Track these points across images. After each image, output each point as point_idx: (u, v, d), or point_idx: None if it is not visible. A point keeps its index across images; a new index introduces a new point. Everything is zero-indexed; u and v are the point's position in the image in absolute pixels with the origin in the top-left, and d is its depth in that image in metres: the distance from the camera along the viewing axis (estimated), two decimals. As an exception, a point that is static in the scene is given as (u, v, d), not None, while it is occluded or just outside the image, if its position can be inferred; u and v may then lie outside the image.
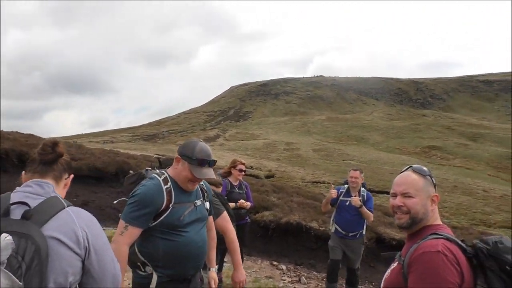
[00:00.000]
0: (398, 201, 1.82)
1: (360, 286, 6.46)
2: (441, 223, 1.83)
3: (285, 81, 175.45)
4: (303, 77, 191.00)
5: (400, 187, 1.83)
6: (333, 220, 5.49)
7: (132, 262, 2.28)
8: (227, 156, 38.29)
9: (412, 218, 1.77)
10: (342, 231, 5.30)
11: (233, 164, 5.70)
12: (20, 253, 1.31)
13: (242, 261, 5.81)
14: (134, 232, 2.18)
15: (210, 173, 2.34)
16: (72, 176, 1.79)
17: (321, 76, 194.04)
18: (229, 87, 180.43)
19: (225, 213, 2.99)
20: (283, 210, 9.85)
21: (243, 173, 5.68)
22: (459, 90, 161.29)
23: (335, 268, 5.39)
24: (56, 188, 1.65)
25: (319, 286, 6.82)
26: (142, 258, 2.26)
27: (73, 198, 11.69)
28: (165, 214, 2.23)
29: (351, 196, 5.32)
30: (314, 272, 7.61)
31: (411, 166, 1.91)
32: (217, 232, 2.85)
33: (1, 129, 16.68)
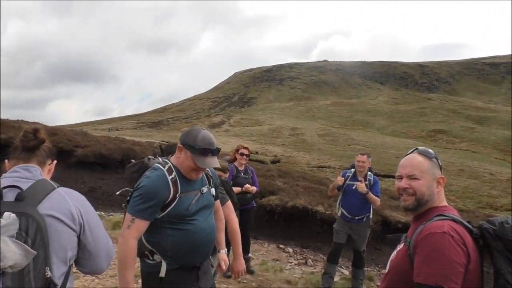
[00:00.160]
0: (403, 183, 1.81)
1: (366, 268, 6.51)
2: (447, 204, 1.83)
3: (290, 66, 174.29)
4: (308, 62, 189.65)
5: (405, 169, 1.82)
6: (339, 204, 5.51)
7: (140, 251, 2.22)
8: (232, 142, 38.32)
9: (418, 200, 1.77)
10: (348, 215, 5.31)
11: (237, 149, 5.77)
12: (24, 230, 1.38)
13: (249, 245, 5.91)
14: (142, 225, 2.13)
15: (213, 162, 2.26)
16: (55, 161, 1.83)
17: (325, 61, 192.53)
18: (233, 73, 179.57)
19: (229, 203, 2.96)
20: (289, 195, 9.90)
21: (245, 157, 5.70)
22: (465, 73, 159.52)
23: (337, 250, 5.44)
24: (41, 172, 1.70)
25: (325, 268, 6.89)
26: (150, 247, 2.24)
27: (80, 184, 11.82)
28: (173, 205, 2.18)
29: (357, 180, 5.32)
30: (321, 255, 7.68)
31: (416, 149, 1.90)
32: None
33: (7, 118, 16.79)
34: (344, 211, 5.36)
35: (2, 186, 1.50)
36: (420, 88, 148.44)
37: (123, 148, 14.92)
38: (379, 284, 6.18)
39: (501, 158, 50.15)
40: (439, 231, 1.58)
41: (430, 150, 1.87)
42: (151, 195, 2.12)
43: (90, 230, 1.64)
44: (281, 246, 8.09)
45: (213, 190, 2.46)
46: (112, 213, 9.15)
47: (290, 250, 7.86)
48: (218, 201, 2.64)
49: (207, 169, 2.44)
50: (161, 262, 2.22)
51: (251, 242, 6.22)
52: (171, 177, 2.19)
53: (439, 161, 1.85)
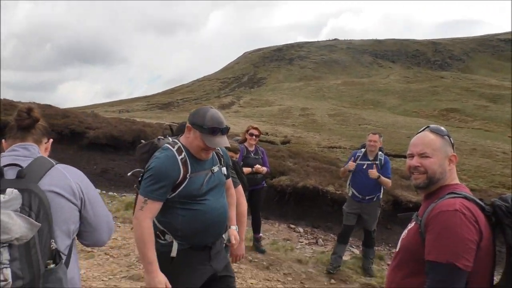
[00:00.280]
0: (415, 161, 1.79)
1: (376, 248, 6.55)
2: (459, 182, 1.80)
3: (299, 45, 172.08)
4: (318, 41, 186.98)
5: (417, 147, 1.80)
6: (349, 184, 5.49)
7: None
8: (242, 123, 38.28)
9: (429, 178, 1.75)
10: (359, 195, 5.30)
11: (247, 130, 5.77)
12: (27, 205, 1.44)
13: (260, 225, 5.96)
14: (155, 206, 2.13)
15: (223, 141, 2.22)
16: (51, 140, 1.87)
17: (335, 39, 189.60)
18: (242, 53, 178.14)
19: (239, 187, 2.91)
20: (299, 175, 9.92)
21: (255, 137, 5.70)
22: (479, 50, 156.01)
23: (347, 232, 5.46)
24: (39, 150, 1.74)
25: (336, 248, 6.94)
26: (161, 227, 2.25)
27: (92, 166, 11.97)
28: (183, 185, 2.17)
29: (368, 160, 5.30)
30: (331, 235, 7.73)
31: (428, 127, 1.87)
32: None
33: (20, 101, 16.97)
34: (354, 191, 5.35)
35: (2, 165, 1.54)
36: (432, 66, 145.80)
37: (133, 129, 15.02)
38: (389, 263, 6.22)
39: (514, 136, 49.35)
40: (450, 209, 1.57)
41: (442, 128, 1.84)
42: (162, 176, 2.11)
43: (90, 204, 1.71)
44: (292, 226, 8.15)
45: (224, 169, 2.43)
46: (124, 194, 9.28)
47: (301, 230, 7.92)
48: (230, 179, 2.62)
49: (217, 148, 2.42)
50: (172, 242, 2.23)
51: (262, 222, 6.27)
52: (180, 157, 2.18)
53: (451, 138, 1.82)
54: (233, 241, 2.50)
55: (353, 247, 6.95)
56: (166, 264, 2.21)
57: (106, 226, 1.80)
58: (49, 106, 18.43)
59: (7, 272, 1.35)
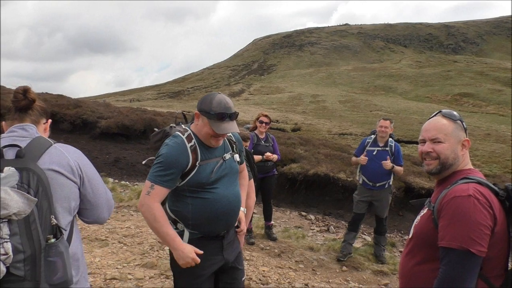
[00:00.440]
0: (427, 147, 1.77)
1: (389, 235, 6.54)
2: (472, 167, 1.78)
3: (309, 31, 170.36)
4: (328, 26, 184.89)
5: (429, 132, 1.78)
6: (359, 171, 5.44)
7: None
8: (253, 111, 38.27)
9: (442, 164, 1.73)
10: (369, 182, 5.25)
11: (257, 117, 5.76)
12: (25, 182, 1.49)
13: (271, 213, 5.99)
14: (161, 192, 2.11)
15: (231, 127, 2.16)
16: (50, 121, 1.90)
17: (346, 24, 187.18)
18: (252, 40, 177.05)
19: (251, 181, 2.84)
20: (310, 162, 9.89)
21: (265, 125, 5.68)
22: (493, 33, 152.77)
23: (357, 220, 5.42)
24: (37, 130, 1.77)
25: (347, 235, 6.94)
26: (173, 216, 2.25)
27: (105, 155, 12.09)
28: (192, 173, 2.14)
29: (378, 146, 5.24)
30: (343, 222, 7.72)
31: (440, 111, 1.83)
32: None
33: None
34: (364, 178, 5.30)
35: (1, 146, 1.58)
36: (445, 50, 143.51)
37: (144, 118, 15.11)
38: (401, 250, 6.20)
39: (530, 121, 48.49)
40: (464, 194, 1.55)
41: (455, 112, 1.81)
42: (171, 163, 2.10)
43: (89, 182, 1.75)
44: (303, 213, 8.16)
45: (236, 156, 2.37)
46: (137, 183, 9.36)
47: (312, 217, 7.92)
48: (244, 164, 2.58)
49: (230, 134, 2.37)
50: (183, 230, 2.22)
51: (273, 209, 6.29)
52: (190, 144, 2.15)
53: (463, 123, 1.79)
54: (242, 227, 2.45)
55: (365, 234, 6.94)
56: None
57: (106, 203, 1.84)
58: (61, 96, 18.61)
59: (8, 246, 1.41)
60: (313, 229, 7.15)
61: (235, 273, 2.40)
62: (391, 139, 5.30)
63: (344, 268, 5.07)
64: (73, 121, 14.21)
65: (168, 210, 2.26)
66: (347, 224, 5.84)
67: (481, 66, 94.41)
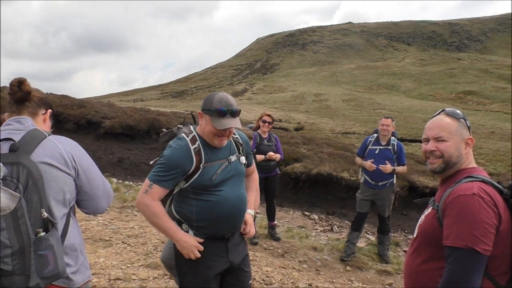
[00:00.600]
0: (430, 145, 1.77)
1: (392, 234, 6.51)
2: (475, 166, 1.78)
3: (312, 30, 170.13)
4: (331, 25, 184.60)
5: (432, 131, 1.78)
6: (362, 170, 5.43)
7: None
8: (256, 110, 38.26)
9: (446, 162, 1.73)
10: (371, 181, 5.23)
11: (260, 117, 5.76)
12: (15, 177, 1.51)
13: (274, 212, 5.98)
14: (159, 192, 2.13)
15: (232, 122, 2.14)
16: (49, 111, 1.90)
17: (349, 23, 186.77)
18: (255, 39, 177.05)
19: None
20: (313, 161, 9.87)
21: (268, 124, 5.68)
22: (498, 30, 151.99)
23: (360, 219, 5.41)
24: (34, 123, 1.78)
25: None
26: (178, 217, 2.25)
27: (109, 155, 12.11)
28: (196, 175, 2.14)
29: (380, 144, 5.22)
30: (346, 221, 7.70)
31: (443, 110, 1.84)
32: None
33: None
34: (367, 177, 5.29)
35: None
36: (449, 48, 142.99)
37: (148, 118, 15.13)
38: (405, 249, 6.18)
39: (535, 118, 48.16)
40: (468, 193, 1.56)
41: (458, 111, 1.82)
42: (172, 165, 2.11)
43: (84, 173, 1.76)
44: (306, 213, 8.15)
45: (243, 159, 2.35)
46: (140, 183, 9.38)
47: (316, 217, 7.90)
48: (253, 165, 2.59)
49: (236, 136, 2.38)
50: (188, 231, 2.23)
51: (276, 209, 6.28)
52: (194, 146, 2.15)
53: (467, 121, 1.79)
54: (247, 230, 2.40)
55: (368, 234, 6.92)
56: (182, 253, 2.22)
57: (103, 194, 1.86)
58: (66, 96, 18.66)
59: None
60: (317, 229, 7.14)
61: (241, 275, 2.39)
62: (393, 137, 5.27)
63: (348, 268, 5.06)
64: (77, 121, 14.24)
65: (173, 211, 2.27)
66: (350, 224, 5.82)
67: (485, 63, 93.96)
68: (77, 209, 1.88)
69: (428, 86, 77.65)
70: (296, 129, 31.05)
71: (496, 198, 1.55)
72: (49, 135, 1.72)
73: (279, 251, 5.41)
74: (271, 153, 5.56)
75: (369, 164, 5.11)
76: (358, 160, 5.41)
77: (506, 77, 76.56)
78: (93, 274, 4.00)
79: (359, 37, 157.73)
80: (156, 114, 17.38)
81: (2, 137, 1.62)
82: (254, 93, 77.83)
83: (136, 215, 6.42)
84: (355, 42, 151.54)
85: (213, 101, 2.16)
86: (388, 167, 5.02)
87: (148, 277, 4.12)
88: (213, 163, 2.19)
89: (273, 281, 4.43)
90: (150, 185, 2.13)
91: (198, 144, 2.18)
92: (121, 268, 4.29)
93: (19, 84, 1.75)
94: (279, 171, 6.02)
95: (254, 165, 2.62)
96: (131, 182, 9.35)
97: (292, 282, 4.47)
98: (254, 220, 2.53)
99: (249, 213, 2.44)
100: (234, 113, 2.17)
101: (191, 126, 2.36)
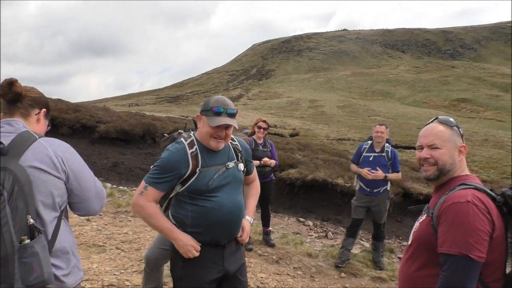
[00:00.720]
0: (424, 153, 1.79)
1: (387, 241, 6.52)
2: (469, 173, 1.80)
3: (308, 36, 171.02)
4: (326, 32, 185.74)
5: (426, 139, 1.80)
6: (357, 177, 5.44)
7: None
8: (251, 116, 38.30)
9: (440, 170, 1.75)
10: (366, 188, 5.23)
11: (255, 122, 5.76)
12: (0, 183, 1.47)
13: (269, 219, 5.97)
14: (154, 194, 2.14)
15: (227, 120, 2.14)
16: (43, 110, 1.85)
17: (345, 30, 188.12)
18: (251, 45, 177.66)
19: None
20: (308, 168, 9.89)
21: (263, 130, 5.69)
22: (491, 38, 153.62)
23: (356, 226, 5.41)
24: (27, 124, 1.75)
25: (346, 240, 6.92)
26: (174, 222, 2.25)
27: (103, 160, 12.07)
28: (192, 180, 2.14)
29: (374, 151, 5.23)
30: (341, 228, 7.70)
31: (437, 118, 1.86)
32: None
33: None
34: (362, 184, 5.29)
35: None
36: (443, 56, 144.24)
37: (143, 123, 15.11)
38: (400, 256, 6.19)
39: (527, 126, 48.56)
40: (462, 201, 1.57)
41: (451, 119, 1.84)
42: (168, 168, 2.12)
43: (74, 176, 1.72)
44: (301, 219, 8.14)
45: (241, 166, 2.34)
46: (135, 188, 9.34)
47: (310, 223, 7.90)
48: (255, 172, 2.60)
49: (236, 142, 2.38)
50: None
51: (271, 215, 6.27)
52: (191, 150, 2.16)
53: (460, 129, 1.82)
54: (243, 236, 2.39)
55: (363, 240, 6.93)
56: (178, 259, 2.22)
57: (95, 196, 1.82)
58: (61, 100, 18.58)
59: None
60: (311, 235, 7.13)
61: (237, 284, 2.36)
62: (387, 144, 5.29)
63: (343, 274, 5.06)
64: (72, 126, 14.20)
65: (170, 216, 2.27)
66: (345, 230, 5.83)
67: (479, 71, 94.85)
68: (71, 213, 1.87)
69: (422, 93, 78.22)
70: (291, 135, 31.10)
71: (490, 206, 1.57)
72: (39, 137, 1.68)
73: (274, 257, 5.39)
74: (266, 159, 5.56)
75: (365, 172, 5.11)
76: (354, 167, 5.42)
77: (499, 85, 77.30)
78: (86, 280, 3.97)
79: (354, 44, 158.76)
80: (151, 119, 17.35)
81: None
82: (249, 99, 78.01)
83: (130, 221, 6.39)
84: (350, 49, 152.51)
85: (210, 102, 2.19)
86: (379, 174, 5.04)
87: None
88: (210, 168, 2.19)
89: (268, 287, 4.42)
90: (145, 187, 2.15)
91: (196, 148, 2.19)
92: (114, 274, 4.26)
93: (9, 85, 1.72)
94: (274, 177, 6.02)
95: (255, 173, 2.62)
96: (125, 187, 9.30)
97: (287, 289, 4.45)
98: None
99: (248, 220, 2.43)
100: (231, 114, 2.19)
101: (191, 132, 2.37)
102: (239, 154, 2.36)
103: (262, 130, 5.69)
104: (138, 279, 4.14)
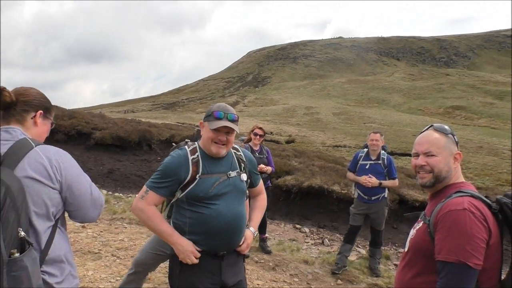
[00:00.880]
0: (420, 160, 1.80)
1: (383, 248, 6.51)
2: (464, 180, 1.81)
3: (304, 44, 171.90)
4: (322, 39, 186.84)
5: (422, 146, 1.81)
6: (355, 185, 5.45)
7: None
8: (247, 123, 38.30)
9: (436, 177, 1.76)
10: (364, 196, 5.24)
11: (252, 129, 5.78)
12: None
13: (266, 225, 5.96)
14: (154, 198, 2.17)
15: (227, 123, 2.17)
16: (40, 112, 1.81)
17: (340, 37, 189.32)
18: (247, 52, 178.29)
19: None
20: (304, 174, 9.90)
21: (259, 137, 5.70)
22: (485, 47, 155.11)
23: (353, 232, 5.42)
24: (25, 130, 1.72)
25: (342, 247, 6.91)
26: (173, 228, 2.24)
27: (99, 166, 12.02)
28: (192, 186, 2.14)
29: (370, 159, 5.25)
30: (337, 234, 7.70)
31: (432, 125, 1.88)
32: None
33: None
34: (360, 192, 5.30)
35: None
36: (438, 64, 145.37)
37: (139, 129, 15.07)
38: (396, 263, 6.19)
39: (521, 134, 48.89)
40: (459, 208, 1.58)
41: (446, 126, 1.85)
42: (169, 173, 2.15)
43: (69, 186, 1.70)
44: (298, 226, 8.14)
45: (244, 176, 2.32)
46: (130, 195, 9.30)
47: (307, 230, 7.90)
48: (261, 185, 2.57)
49: (240, 153, 2.38)
50: None
51: (268, 222, 6.27)
52: (192, 157, 2.19)
53: (455, 137, 1.83)
54: (243, 246, 2.34)
55: (359, 247, 6.93)
56: (176, 266, 2.21)
57: (91, 204, 1.80)
58: (56, 107, 18.53)
59: None
60: (308, 242, 7.13)
61: None
62: (383, 151, 5.31)
63: (339, 281, 5.05)
64: (68, 132, 14.14)
65: (171, 223, 2.28)
66: (342, 237, 5.83)
67: (473, 79, 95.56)
68: (67, 219, 1.86)
69: (417, 100, 78.63)
70: (288, 142, 31.13)
71: (486, 213, 1.58)
72: (36, 145, 1.65)
73: (270, 264, 5.38)
74: (262, 166, 5.56)
75: (363, 179, 5.12)
76: (351, 175, 5.42)
77: (493, 93, 77.88)
78: (82, 287, 3.94)
79: (349, 51, 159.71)
80: (147, 126, 17.32)
81: None
82: (245, 106, 78.11)
83: (126, 227, 6.36)
84: (345, 57, 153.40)
85: (212, 108, 2.25)
86: (373, 180, 5.05)
87: (138, 290, 4.06)
88: (210, 175, 2.19)
89: (264, 294, 4.41)
90: (146, 191, 2.18)
91: (198, 155, 2.21)
92: (110, 281, 4.24)
93: None
94: (270, 183, 6.02)
95: (261, 186, 2.60)
96: (121, 194, 9.26)
97: (283, 296, 4.44)
98: None
99: (251, 231, 2.41)
100: (232, 119, 2.22)
101: (197, 142, 2.36)
102: (242, 164, 2.36)
103: (258, 137, 5.70)
104: (134, 287, 4.11)
